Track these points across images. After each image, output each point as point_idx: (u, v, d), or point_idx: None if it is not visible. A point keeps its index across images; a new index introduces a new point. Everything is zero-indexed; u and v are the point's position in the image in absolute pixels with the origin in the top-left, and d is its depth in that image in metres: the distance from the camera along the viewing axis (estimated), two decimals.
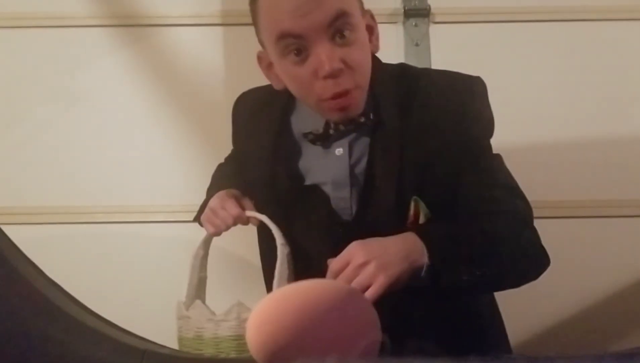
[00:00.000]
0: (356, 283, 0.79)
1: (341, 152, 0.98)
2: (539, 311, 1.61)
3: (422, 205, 0.94)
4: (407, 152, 0.95)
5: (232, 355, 0.87)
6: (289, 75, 0.93)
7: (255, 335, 0.49)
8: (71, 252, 1.68)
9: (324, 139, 0.98)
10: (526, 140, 1.63)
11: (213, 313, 0.91)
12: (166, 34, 1.71)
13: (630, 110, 1.69)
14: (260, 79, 1.65)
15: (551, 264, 0.95)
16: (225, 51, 1.71)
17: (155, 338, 0.88)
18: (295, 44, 0.89)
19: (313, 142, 0.99)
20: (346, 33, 0.89)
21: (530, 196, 0.98)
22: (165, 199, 1.72)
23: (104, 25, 1.71)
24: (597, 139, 1.68)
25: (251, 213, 1.01)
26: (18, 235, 0.79)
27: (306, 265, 0.95)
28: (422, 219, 0.94)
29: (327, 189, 0.99)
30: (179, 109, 1.72)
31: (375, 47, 0.98)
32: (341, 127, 0.97)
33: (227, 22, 1.71)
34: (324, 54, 0.88)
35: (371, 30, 0.97)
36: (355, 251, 0.82)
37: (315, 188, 1.00)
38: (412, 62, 1.63)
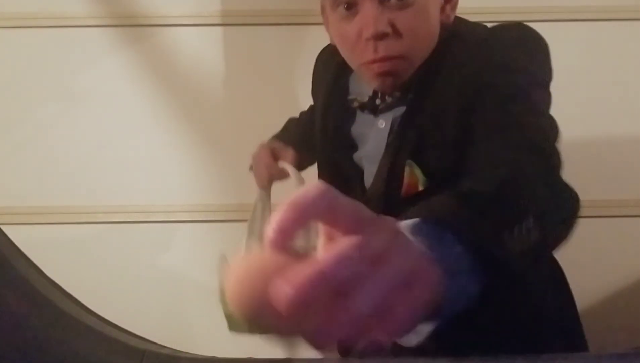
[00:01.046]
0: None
1: (383, 125, 0.91)
2: None
3: (417, 171, 0.85)
4: (415, 116, 0.86)
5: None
6: (337, 30, 0.89)
7: (237, 287, 0.40)
8: (71, 252, 1.68)
9: (371, 108, 0.92)
10: None
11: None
12: (166, 34, 1.71)
13: (631, 110, 1.69)
14: (259, 80, 1.65)
15: None
16: (225, 51, 1.71)
17: (155, 338, 0.88)
18: (344, 3, 0.84)
19: (361, 109, 0.94)
20: None
21: None
22: (165, 199, 1.72)
23: (104, 25, 1.71)
24: (597, 139, 1.68)
25: (282, 164, 0.98)
26: (18, 235, 0.79)
27: None
28: (421, 186, 0.85)
29: (365, 161, 0.95)
30: (179, 109, 1.72)
31: (447, 18, 0.90)
32: (388, 98, 0.90)
33: (227, 22, 1.71)
34: (371, 14, 0.82)
35: None
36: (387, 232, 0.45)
37: (360, 159, 0.95)
38: None
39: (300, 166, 1.09)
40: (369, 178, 0.94)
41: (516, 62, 0.84)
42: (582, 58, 1.68)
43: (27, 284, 0.71)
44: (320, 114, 1.02)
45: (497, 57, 0.83)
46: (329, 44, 1.04)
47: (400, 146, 0.86)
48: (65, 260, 1.53)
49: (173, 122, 1.72)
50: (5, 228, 0.78)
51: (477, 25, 0.92)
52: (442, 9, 0.89)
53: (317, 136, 1.03)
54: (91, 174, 1.72)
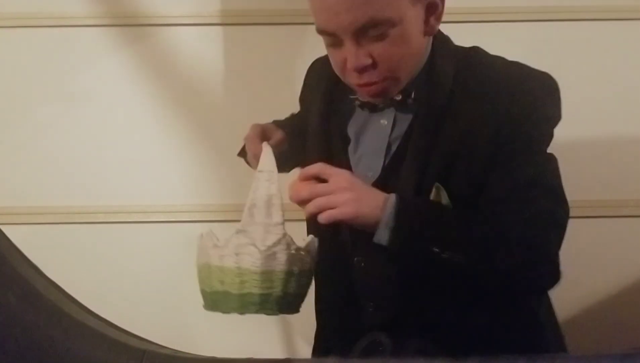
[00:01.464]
0: (326, 199, 0.84)
1: (385, 123, 0.98)
2: None
3: (444, 194, 0.91)
4: (441, 137, 0.93)
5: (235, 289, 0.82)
6: (329, 54, 0.96)
7: None
8: (71, 252, 1.68)
9: (371, 107, 0.99)
10: None
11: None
12: (166, 34, 1.71)
13: (631, 110, 1.69)
14: (259, 80, 1.64)
15: None
16: (225, 51, 1.72)
17: (155, 338, 0.88)
18: (330, 38, 0.92)
19: (361, 107, 1.00)
20: (381, 29, 0.88)
21: None
22: (165, 199, 1.72)
23: (104, 25, 1.71)
24: (597, 139, 1.68)
25: (264, 145, 0.96)
26: (18, 235, 0.79)
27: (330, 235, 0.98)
28: None
29: (363, 157, 1.00)
30: (179, 109, 1.72)
31: (431, 29, 0.94)
32: (380, 105, 0.98)
33: (227, 22, 1.71)
34: (351, 51, 0.90)
35: (433, 9, 0.93)
36: (344, 176, 0.87)
37: (358, 155, 1.01)
38: None
39: (285, 158, 1.09)
40: (366, 173, 0.98)
41: (546, 114, 0.95)
42: (582, 58, 1.68)
43: (27, 284, 0.71)
44: (319, 107, 1.05)
45: (531, 108, 0.93)
46: (320, 57, 1.11)
47: (424, 167, 0.93)
48: (65, 260, 1.54)
49: (173, 123, 1.72)
50: (5, 228, 0.78)
51: (489, 55, 1.01)
52: (426, 22, 0.93)
53: (313, 132, 1.05)
54: (91, 174, 1.71)
